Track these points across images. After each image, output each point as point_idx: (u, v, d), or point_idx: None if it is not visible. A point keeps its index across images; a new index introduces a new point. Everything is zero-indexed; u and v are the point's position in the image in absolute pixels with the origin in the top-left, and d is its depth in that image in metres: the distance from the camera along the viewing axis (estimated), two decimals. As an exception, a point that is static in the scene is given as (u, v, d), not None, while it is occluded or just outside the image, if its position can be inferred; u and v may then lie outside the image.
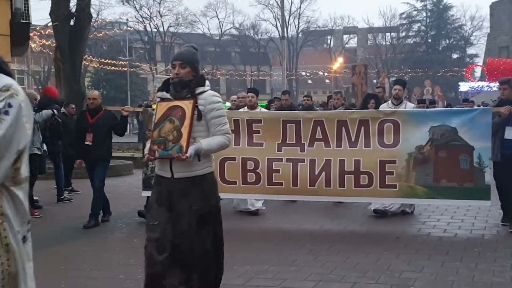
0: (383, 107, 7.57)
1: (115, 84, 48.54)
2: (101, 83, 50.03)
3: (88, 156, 7.54)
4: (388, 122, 6.67)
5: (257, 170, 6.99)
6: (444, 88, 46.83)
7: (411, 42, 63.56)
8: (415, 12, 63.19)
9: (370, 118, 6.77)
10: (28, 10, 10.89)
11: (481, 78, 41.07)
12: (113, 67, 46.93)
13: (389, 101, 7.65)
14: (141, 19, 59.23)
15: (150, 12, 59.61)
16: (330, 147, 6.82)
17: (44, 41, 33.37)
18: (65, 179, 10.11)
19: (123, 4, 58.31)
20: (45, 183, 10.31)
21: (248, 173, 7.02)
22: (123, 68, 47.52)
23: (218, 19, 63.40)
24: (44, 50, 35.65)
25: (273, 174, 6.94)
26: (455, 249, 5.89)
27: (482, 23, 60.03)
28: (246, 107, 8.20)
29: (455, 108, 9.10)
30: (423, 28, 62.89)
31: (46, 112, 8.75)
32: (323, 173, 6.79)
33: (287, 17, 59.54)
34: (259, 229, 7.14)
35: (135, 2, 59.42)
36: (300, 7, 62.40)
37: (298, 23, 63.35)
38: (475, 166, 6.41)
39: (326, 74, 60.08)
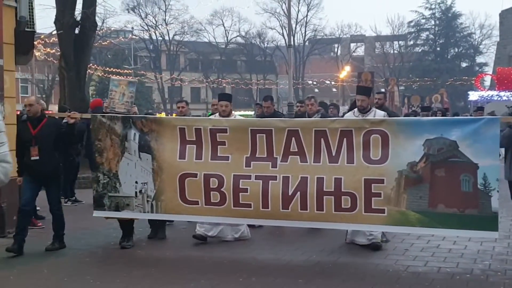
0: (349, 115, 6.47)
1: None
2: (105, 91, 49.44)
3: (35, 173, 6.55)
4: (375, 133, 5.56)
5: (222, 189, 5.93)
6: (453, 97, 45.93)
7: (419, 50, 62.95)
8: (423, 20, 62.57)
9: (353, 128, 5.66)
10: (33, 19, 10.77)
11: (491, 87, 40.15)
12: (118, 76, 46.77)
13: (355, 110, 6.57)
14: (146, 28, 59.22)
15: (155, 20, 59.59)
16: (307, 162, 5.74)
17: (48, 49, 33.25)
18: (69, 189, 10.08)
19: (129, 12, 58.29)
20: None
21: (212, 192, 5.97)
22: (128, 77, 47.32)
23: (224, 27, 63.11)
24: (48, 59, 35.72)
25: (240, 193, 5.88)
26: (465, 261, 5.77)
27: (492, 31, 59.30)
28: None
29: (455, 117, 7.86)
30: (431, 36, 62.24)
31: (81, 126, 8.30)
32: (298, 193, 5.70)
33: (293, 26, 59.16)
34: (225, 259, 6.14)
35: (140, 11, 59.53)
36: (307, 15, 62.17)
37: (305, 31, 63.07)
38: (480, 189, 5.27)
39: (333, 82, 59.42)
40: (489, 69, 54.55)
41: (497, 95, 33.90)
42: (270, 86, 63.14)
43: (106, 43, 46.83)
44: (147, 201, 6.20)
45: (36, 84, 43.68)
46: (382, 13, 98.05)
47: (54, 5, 17.15)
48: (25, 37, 9.94)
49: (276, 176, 5.79)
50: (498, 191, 5.23)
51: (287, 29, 50.90)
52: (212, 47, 62.82)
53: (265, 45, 64.74)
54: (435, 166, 5.39)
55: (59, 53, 18.40)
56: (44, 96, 46.57)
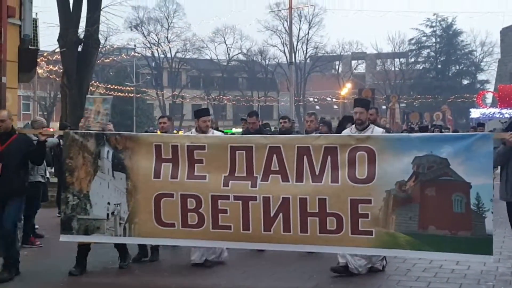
0: (346, 132, 6.13)
1: (121, 110, 48.43)
2: None
3: None
4: (361, 150, 5.21)
5: (200, 210, 5.56)
6: (455, 114, 45.66)
7: (421, 68, 63.02)
8: (424, 38, 62.67)
9: (338, 145, 5.32)
10: (36, 37, 10.97)
11: (493, 105, 39.91)
12: (119, 93, 47.29)
13: (353, 126, 6.21)
14: (148, 45, 59.42)
15: (158, 38, 59.78)
16: (289, 181, 5.38)
17: (51, 66, 33.39)
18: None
19: (131, 30, 58.50)
20: (47, 211, 9.85)
21: (189, 213, 5.59)
22: (130, 94, 47.87)
23: (226, 44, 63.39)
24: (50, 76, 35.74)
25: (219, 215, 5.51)
26: (468, 282, 5.63)
27: (493, 48, 59.26)
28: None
29: (446, 133, 7.49)
30: (432, 54, 62.34)
31: (52, 140, 8.05)
32: (281, 214, 5.34)
33: (295, 43, 59.28)
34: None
35: (143, 28, 59.64)
36: (308, 33, 62.52)
37: (306, 48, 63.32)
38: (473, 209, 4.90)
39: (334, 99, 59.22)
40: (490, 87, 54.41)
41: (499, 112, 33.67)
42: (271, 103, 63.18)
43: (108, 60, 47.08)
44: (120, 223, 5.78)
45: (38, 101, 43.70)
46: (383, 30, 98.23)
47: (58, 23, 17.33)
48: (28, 55, 10.10)
49: (256, 197, 5.42)
50: (492, 212, 4.86)
51: (288, 46, 51.00)
52: (213, 65, 63.12)
53: (267, 62, 64.91)
54: (425, 185, 5.02)
55: (61, 70, 18.66)
56: (45, 113, 46.63)
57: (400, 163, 5.09)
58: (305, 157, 5.34)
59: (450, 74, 61.10)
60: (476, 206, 4.89)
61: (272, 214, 5.36)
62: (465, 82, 61.67)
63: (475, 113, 37.42)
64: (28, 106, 46.43)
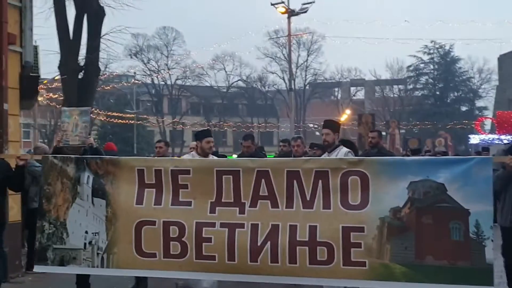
0: (324, 156, 5.92)
1: (121, 137, 48.73)
2: (107, 136, 50.17)
3: None
4: (353, 175, 4.91)
5: (183, 238, 5.22)
6: (454, 141, 45.48)
7: (419, 94, 63.29)
8: (422, 65, 63.06)
9: (330, 168, 5.02)
10: (37, 64, 11.03)
11: (491, 131, 39.79)
12: (120, 120, 47.38)
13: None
14: (148, 72, 59.75)
15: (158, 65, 60.13)
16: (278, 208, 5.08)
17: (51, 94, 33.30)
18: None
19: (131, 58, 58.73)
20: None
21: (171, 242, 5.25)
22: (130, 121, 47.96)
23: (226, 71, 63.85)
24: (50, 104, 35.58)
25: (203, 244, 5.18)
26: None
27: (491, 75, 59.45)
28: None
29: (443, 157, 7.18)
30: (430, 80, 62.71)
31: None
32: (268, 243, 5.02)
33: (294, 70, 59.54)
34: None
35: (143, 56, 59.96)
36: (307, 60, 62.81)
37: (305, 75, 63.66)
38: (472, 238, 4.58)
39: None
40: (489, 113, 54.43)
41: (497, 138, 33.52)
42: (272, 129, 63.18)
43: (109, 87, 47.26)
44: (97, 254, 5.43)
45: (38, 129, 43.76)
46: (381, 57, 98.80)
47: (58, 51, 17.45)
48: (29, 82, 10.15)
49: (244, 224, 5.11)
50: (492, 240, 4.56)
51: (287, 73, 51.24)
52: (213, 91, 63.44)
53: (266, 89, 65.15)
54: (421, 212, 4.71)
55: (61, 98, 19.00)
56: (46, 140, 46.55)
57: (395, 189, 4.80)
58: (295, 181, 5.05)
59: (448, 101, 61.21)
60: (475, 234, 4.58)
61: (259, 243, 5.04)
62: (464, 108, 61.77)
63: (474, 139, 37.28)
64: (28, 134, 46.54)
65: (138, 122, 50.50)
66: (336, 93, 69.13)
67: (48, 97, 33.96)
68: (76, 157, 5.70)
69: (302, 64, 62.72)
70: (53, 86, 29.55)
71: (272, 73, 63.12)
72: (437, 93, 61.76)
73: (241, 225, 5.12)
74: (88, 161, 5.61)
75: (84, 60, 17.50)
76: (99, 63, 19.04)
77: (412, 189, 4.75)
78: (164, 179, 5.37)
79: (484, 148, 15.48)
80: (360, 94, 69.77)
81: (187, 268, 5.24)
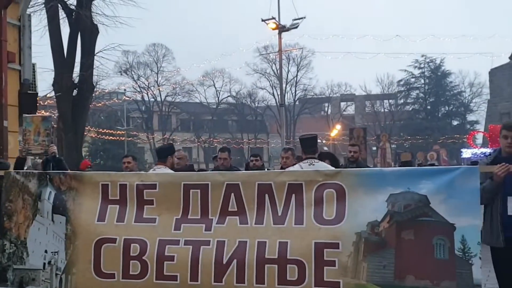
0: (295, 168, 5.56)
1: (112, 154, 48.50)
2: (98, 152, 49.96)
3: None
4: (329, 188, 4.51)
5: (144, 257, 4.82)
6: (447, 155, 45.32)
7: (410, 109, 63.42)
8: (413, 79, 63.15)
9: (304, 181, 4.62)
10: (35, 81, 11.31)
11: (483, 145, 39.56)
12: (110, 137, 47.43)
13: (301, 162, 5.78)
14: (138, 89, 59.75)
15: (148, 82, 60.13)
16: (247, 223, 4.67)
17: (43, 111, 33.39)
18: None
19: (121, 74, 58.77)
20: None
21: (131, 262, 4.85)
22: (121, 138, 47.93)
23: (215, 88, 63.94)
24: None
25: (165, 262, 4.77)
26: None
27: (482, 89, 59.50)
28: None
29: (425, 168, 6.72)
30: (421, 95, 62.77)
31: None
32: (235, 261, 4.60)
33: (284, 85, 59.54)
34: None
35: (133, 73, 60.00)
36: (296, 75, 62.78)
37: (295, 91, 63.73)
38: (458, 255, 4.17)
39: (324, 141, 59.03)
40: (480, 127, 54.35)
41: (490, 152, 33.19)
42: (261, 145, 63.02)
43: (99, 104, 47.30)
44: (56, 274, 5.05)
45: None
46: (371, 72, 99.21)
47: (51, 68, 17.86)
48: (28, 99, 10.58)
49: (210, 241, 4.70)
50: (480, 258, 4.14)
51: (277, 89, 51.16)
52: (203, 108, 63.57)
53: (256, 104, 65.15)
54: (401, 227, 4.29)
55: (53, 114, 19.01)
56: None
57: (373, 202, 4.38)
58: (266, 195, 4.65)
59: (439, 115, 61.35)
60: (461, 251, 4.17)
61: (225, 261, 4.62)
62: (455, 123, 61.92)
63: (466, 153, 37.00)
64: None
65: (129, 139, 50.48)
66: (326, 108, 69.22)
67: (41, 114, 34.24)
68: (39, 172, 5.42)
69: (292, 79, 62.86)
70: (46, 103, 29.52)
71: (262, 89, 63.13)
72: (428, 107, 61.88)
73: (207, 242, 4.72)
74: (51, 176, 5.28)
75: (78, 77, 17.84)
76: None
77: (392, 202, 4.34)
78: (129, 195, 5.01)
79: (474, 162, 15.10)
80: (351, 109, 69.98)
81: None
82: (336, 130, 55.06)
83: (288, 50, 52.46)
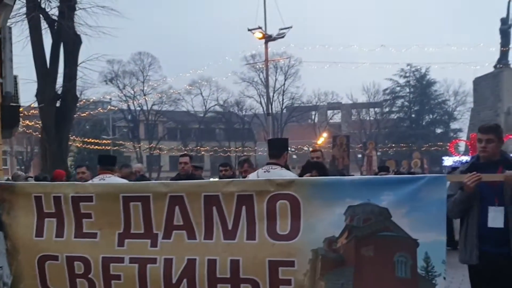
0: (253, 176, 5.17)
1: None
2: (84, 162, 49.48)
3: None
4: (282, 199, 4.13)
5: (89, 276, 4.44)
6: (429, 163, 45.32)
7: (395, 117, 64.04)
8: (398, 88, 63.72)
9: (254, 192, 4.22)
10: (17, 94, 11.45)
11: (465, 153, 39.64)
12: (96, 146, 47.27)
13: (260, 170, 5.45)
14: (124, 98, 59.35)
15: (133, 91, 59.71)
16: (196, 239, 4.28)
17: (27, 121, 33.20)
18: None
19: (106, 83, 58.27)
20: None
21: (78, 280, 4.47)
22: (107, 147, 47.81)
23: (203, 96, 63.90)
24: (27, 131, 35.31)
25: (112, 281, 4.39)
26: None
27: (466, 98, 59.97)
28: None
29: (387, 176, 6.31)
30: (406, 103, 63.40)
31: None
32: (185, 280, 4.22)
33: (271, 94, 59.55)
34: None
35: (118, 82, 59.68)
36: (284, 84, 62.94)
37: (283, 99, 63.68)
38: (421, 274, 3.80)
39: (311, 149, 58.93)
40: (463, 135, 54.56)
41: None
42: (249, 153, 62.88)
43: (85, 114, 47.09)
44: None
45: (15, 155, 43.15)
46: (357, 81, 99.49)
47: (34, 79, 17.72)
48: (10, 112, 10.63)
49: (156, 259, 4.31)
50: (445, 278, 3.79)
51: (265, 97, 51.03)
52: (190, 116, 63.49)
53: (243, 113, 65.07)
54: (360, 242, 3.92)
55: (37, 125, 19.78)
56: (23, 167, 45.60)
57: (330, 215, 4.00)
58: (214, 208, 4.25)
59: (424, 123, 61.83)
60: (424, 269, 3.80)
61: (174, 281, 4.24)
62: (439, 130, 62.32)
63: (448, 161, 37.06)
64: (5, 161, 46.08)
65: (115, 148, 50.15)
66: (313, 117, 69.37)
67: (24, 124, 34.28)
68: None
69: (279, 88, 63.02)
70: (30, 113, 29.27)
71: (249, 97, 63.10)
72: (413, 115, 62.41)
73: (153, 260, 4.33)
74: None
75: (61, 88, 17.89)
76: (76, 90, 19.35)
77: (351, 215, 3.96)
78: (65, 208, 4.59)
79: (454, 168, 14.76)
80: (337, 117, 70.37)
81: None
82: (322, 138, 54.96)
83: (275, 60, 52.42)
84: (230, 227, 4.21)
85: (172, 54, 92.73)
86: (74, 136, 43.30)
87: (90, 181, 6.57)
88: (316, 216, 4.03)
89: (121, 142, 54.46)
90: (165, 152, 58.36)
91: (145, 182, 5.46)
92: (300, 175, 6.92)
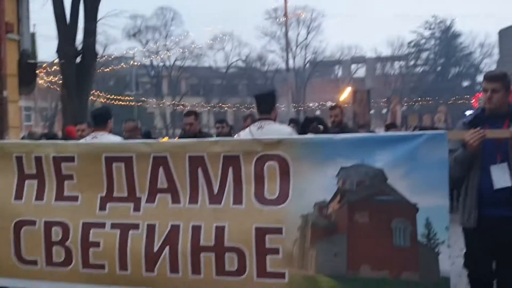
0: (245, 134, 4.82)
1: (122, 119, 48.36)
2: (106, 118, 49.94)
3: None
4: (270, 160, 3.77)
5: (67, 243, 4.18)
6: (455, 117, 44.40)
7: (420, 70, 62.65)
8: (423, 41, 62.44)
9: (242, 152, 3.87)
10: (35, 51, 11.67)
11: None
12: (120, 102, 47.47)
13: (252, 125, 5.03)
14: (147, 54, 59.34)
15: (156, 46, 59.51)
16: (180, 203, 3.97)
17: (51, 77, 33.60)
18: None
19: (129, 39, 58.02)
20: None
21: (54, 247, 4.21)
22: (130, 103, 47.68)
23: (225, 51, 63.03)
24: (51, 87, 35.99)
25: (91, 249, 4.13)
26: None
27: (492, 50, 58.26)
28: None
29: (382, 134, 5.74)
30: (432, 56, 61.82)
31: None
32: (167, 248, 3.94)
33: (294, 48, 58.74)
34: None
35: (141, 37, 59.27)
36: (306, 38, 61.85)
37: (305, 53, 62.60)
38: (421, 242, 3.44)
39: (334, 104, 58.29)
40: (490, 88, 53.10)
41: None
42: (271, 109, 62.38)
43: (108, 70, 47.32)
44: None
45: (39, 111, 43.69)
46: (382, 34, 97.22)
47: (56, 36, 17.75)
48: (28, 69, 10.65)
49: (139, 224, 4.03)
50: (449, 246, 3.42)
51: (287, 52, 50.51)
52: (213, 72, 63.42)
53: (266, 68, 64.49)
54: (354, 207, 3.55)
55: (61, 81, 19.18)
56: (47, 123, 46.24)
57: (321, 177, 3.63)
58: (199, 169, 3.93)
59: (449, 76, 60.59)
60: (425, 237, 3.42)
61: (156, 249, 3.96)
62: (465, 84, 61.00)
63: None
64: (29, 117, 46.51)
65: (138, 104, 50.32)
66: (336, 71, 68.31)
67: (48, 80, 34.13)
68: None
69: (302, 42, 61.89)
70: (53, 69, 29.61)
71: (272, 52, 62.44)
72: (438, 68, 61.18)
73: (135, 226, 4.06)
74: None
75: (81, 44, 17.84)
76: (98, 46, 19.53)
77: (343, 178, 3.59)
78: (46, 168, 4.31)
79: None
80: (361, 72, 69.11)
81: (73, 279, 4.21)
82: (345, 93, 54.13)
83: (296, 13, 51.37)
84: (216, 191, 3.89)
85: (194, 8, 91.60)
86: (98, 92, 43.63)
87: (82, 140, 6.31)
88: (306, 178, 3.67)
89: (144, 98, 54.54)
90: (188, 108, 58.50)
91: (127, 141, 5.13)
92: (301, 131, 6.59)
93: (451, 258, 3.59)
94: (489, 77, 4.05)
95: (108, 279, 4.10)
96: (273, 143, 3.81)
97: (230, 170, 3.85)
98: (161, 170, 4.01)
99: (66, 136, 9.94)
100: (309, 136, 4.74)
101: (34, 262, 4.26)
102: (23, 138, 11.23)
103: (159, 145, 4.17)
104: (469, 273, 4.12)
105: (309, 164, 3.67)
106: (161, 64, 61.00)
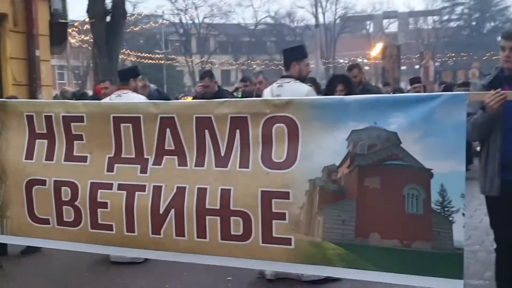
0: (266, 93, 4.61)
1: (152, 77, 49.34)
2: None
3: None
4: (279, 122, 3.58)
5: (76, 203, 4.14)
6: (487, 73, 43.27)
7: (454, 25, 61.10)
8: (457, -6, 59.87)
9: (249, 114, 3.69)
10: (65, 10, 11.60)
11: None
12: (150, 61, 47.75)
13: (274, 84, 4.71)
14: (176, 12, 59.15)
15: (185, 4, 59.41)
16: (187, 166, 3.85)
17: (83, 36, 33.87)
18: None
19: (158, -4, 58.20)
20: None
21: (64, 207, 4.19)
22: (160, 61, 48.17)
23: (253, 8, 62.53)
24: (83, 45, 36.30)
25: (99, 210, 4.08)
26: None
27: (528, 4, 56.04)
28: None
29: (397, 95, 5.47)
30: (466, 10, 60.26)
31: None
32: (172, 211, 3.84)
33: (324, 3, 57.60)
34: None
35: (170, -6, 59.31)
36: (337, -8, 60.27)
37: (336, 9, 61.46)
38: (435, 210, 3.23)
39: (365, 60, 57.26)
40: (527, 43, 51.41)
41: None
42: (301, 66, 61.83)
43: (137, 28, 47.51)
44: None
45: (72, 70, 44.56)
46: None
47: None
48: (58, 29, 10.87)
49: (145, 186, 3.94)
50: (464, 214, 3.22)
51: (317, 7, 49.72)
52: (241, 29, 63.27)
53: (295, 24, 63.76)
54: (364, 172, 3.36)
55: (92, 40, 19.74)
56: (80, 82, 46.99)
57: (331, 141, 3.44)
58: (206, 131, 3.78)
59: (485, 31, 58.80)
60: (439, 204, 3.23)
61: (162, 211, 3.87)
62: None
63: (503, 72, 34.94)
64: (62, 76, 47.44)
65: (167, 62, 50.61)
66: (367, 27, 66.96)
67: (80, 39, 34.92)
68: None
69: (332, -3, 60.53)
70: (84, 28, 30.02)
71: (301, 8, 61.51)
72: (473, 23, 59.45)
73: (142, 188, 3.97)
74: None
75: (111, 3, 18.13)
76: (127, 5, 19.96)
77: (354, 141, 3.38)
78: (56, 128, 4.25)
79: None
80: (393, 27, 67.61)
81: (83, 239, 4.20)
82: (377, 49, 53.01)
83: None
84: (222, 153, 3.75)
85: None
86: (128, 51, 43.85)
87: (107, 98, 6.26)
88: (314, 141, 3.48)
89: (173, 56, 54.72)
90: (217, 66, 58.48)
91: (135, 102, 5.02)
92: (327, 90, 6.34)
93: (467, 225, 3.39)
94: (508, 35, 3.78)
95: (117, 240, 4.06)
96: (281, 104, 3.62)
97: (238, 132, 3.70)
98: (168, 131, 3.89)
99: (95, 94, 10.08)
100: (319, 97, 4.50)
101: (47, 221, 4.26)
102: (55, 97, 11.68)
103: (166, 106, 4.02)
104: (497, 239, 3.93)
105: (318, 127, 3.48)
106: (189, 22, 60.92)
